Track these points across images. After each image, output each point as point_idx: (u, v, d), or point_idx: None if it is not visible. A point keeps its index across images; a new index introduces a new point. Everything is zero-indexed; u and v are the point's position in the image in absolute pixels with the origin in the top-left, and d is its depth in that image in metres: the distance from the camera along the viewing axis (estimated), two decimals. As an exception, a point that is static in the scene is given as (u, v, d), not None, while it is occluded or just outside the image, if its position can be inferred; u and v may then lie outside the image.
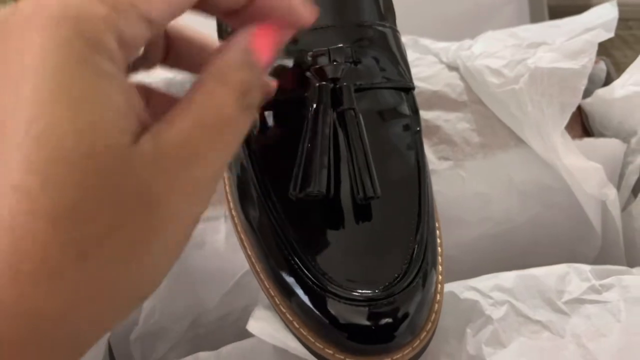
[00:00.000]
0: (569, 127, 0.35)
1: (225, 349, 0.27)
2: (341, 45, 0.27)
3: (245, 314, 0.33)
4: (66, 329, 0.14)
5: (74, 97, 0.14)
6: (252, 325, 0.25)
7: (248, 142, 0.27)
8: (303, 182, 0.23)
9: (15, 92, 0.13)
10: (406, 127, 0.28)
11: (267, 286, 0.24)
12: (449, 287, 0.27)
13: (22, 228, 0.13)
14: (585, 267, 0.26)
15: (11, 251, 0.13)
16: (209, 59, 0.18)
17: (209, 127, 0.16)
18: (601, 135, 0.37)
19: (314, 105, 0.25)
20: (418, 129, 0.28)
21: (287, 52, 0.27)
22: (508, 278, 0.26)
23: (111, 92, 0.14)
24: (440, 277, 0.24)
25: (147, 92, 0.20)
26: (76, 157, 0.13)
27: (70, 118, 0.13)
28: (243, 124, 0.17)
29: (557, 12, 0.43)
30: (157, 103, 0.20)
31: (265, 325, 0.24)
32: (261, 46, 0.18)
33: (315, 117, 0.25)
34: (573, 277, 0.26)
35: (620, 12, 0.34)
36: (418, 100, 0.30)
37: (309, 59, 0.27)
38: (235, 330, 0.34)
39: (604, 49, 0.40)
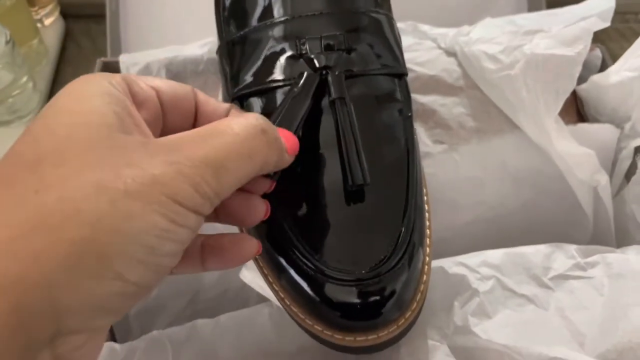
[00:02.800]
0: (564, 113, 0.35)
1: (223, 317, 0.28)
2: (334, 32, 0.27)
3: (242, 292, 0.34)
4: None
5: None
6: (244, 274, 0.26)
7: None
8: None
9: None
10: (398, 113, 0.28)
11: (261, 265, 0.25)
12: (438, 262, 0.27)
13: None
14: (571, 247, 0.27)
15: None
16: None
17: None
18: (596, 120, 0.38)
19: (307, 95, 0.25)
20: (409, 114, 0.28)
21: (280, 38, 0.27)
22: (496, 255, 0.27)
23: None
24: (427, 259, 0.25)
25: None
26: None
27: None
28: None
29: (554, 2, 0.43)
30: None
31: (256, 276, 0.25)
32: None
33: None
34: (559, 255, 0.26)
35: (618, 5, 0.34)
36: (415, 84, 0.30)
37: (302, 46, 0.27)
38: (232, 306, 0.35)
39: (601, 42, 0.41)
